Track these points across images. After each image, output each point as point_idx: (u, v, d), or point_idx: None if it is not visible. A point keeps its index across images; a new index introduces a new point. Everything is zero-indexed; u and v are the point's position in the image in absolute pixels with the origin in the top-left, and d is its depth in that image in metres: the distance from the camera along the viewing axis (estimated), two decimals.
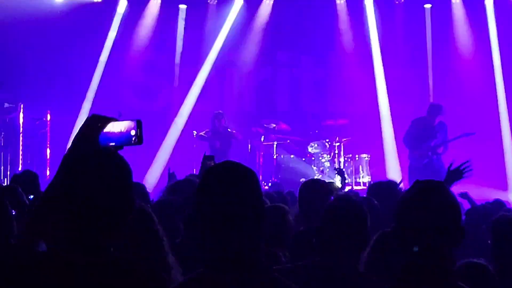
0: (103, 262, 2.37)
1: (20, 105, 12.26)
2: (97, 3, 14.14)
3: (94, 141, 2.58)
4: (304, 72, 14.99)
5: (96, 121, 2.60)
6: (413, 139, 11.61)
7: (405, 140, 11.81)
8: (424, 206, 2.51)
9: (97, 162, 2.47)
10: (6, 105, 11.96)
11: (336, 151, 12.85)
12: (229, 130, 12.61)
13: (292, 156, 13.02)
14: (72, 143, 2.60)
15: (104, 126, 2.60)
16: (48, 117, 12.79)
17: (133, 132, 2.61)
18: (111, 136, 2.61)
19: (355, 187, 12.30)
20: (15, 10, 12.67)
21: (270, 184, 12.28)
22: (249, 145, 13.12)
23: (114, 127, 2.61)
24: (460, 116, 12.58)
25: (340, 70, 14.63)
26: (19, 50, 13.22)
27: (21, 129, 12.18)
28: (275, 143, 12.89)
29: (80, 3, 13.89)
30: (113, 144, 2.61)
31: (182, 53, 14.61)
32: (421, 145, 11.48)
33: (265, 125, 12.96)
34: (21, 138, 12.25)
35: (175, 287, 2.52)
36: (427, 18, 14.32)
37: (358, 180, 12.92)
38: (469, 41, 13.95)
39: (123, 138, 2.61)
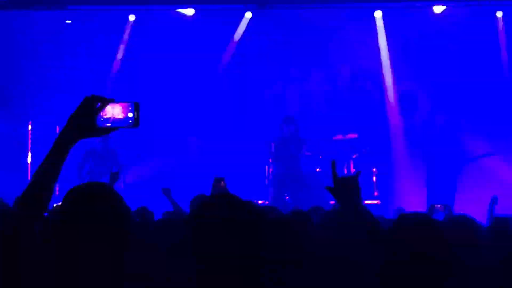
0: None
1: (29, 122, 12.22)
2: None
3: (91, 122, 2.58)
4: (314, 86, 14.93)
5: (94, 102, 2.60)
6: None
7: None
8: (410, 240, 2.50)
9: (91, 203, 2.46)
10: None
11: (346, 166, 12.79)
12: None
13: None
14: (68, 121, 2.60)
15: (102, 107, 2.60)
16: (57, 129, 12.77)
17: (130, 115, 2.63)
18: (108, 117, 2.62)
19: (366, 201, 12.22)
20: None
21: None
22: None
23: (112, 108, 2.63)
24: None
25: (351, 85, 14.57)
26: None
27: (29, 146, 12.08)
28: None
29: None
30: (109, 125, 2.62)
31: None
32: None
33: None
34: (29, 155, 12.15)
35: None
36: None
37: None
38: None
39: (120, 120, 2.63)
